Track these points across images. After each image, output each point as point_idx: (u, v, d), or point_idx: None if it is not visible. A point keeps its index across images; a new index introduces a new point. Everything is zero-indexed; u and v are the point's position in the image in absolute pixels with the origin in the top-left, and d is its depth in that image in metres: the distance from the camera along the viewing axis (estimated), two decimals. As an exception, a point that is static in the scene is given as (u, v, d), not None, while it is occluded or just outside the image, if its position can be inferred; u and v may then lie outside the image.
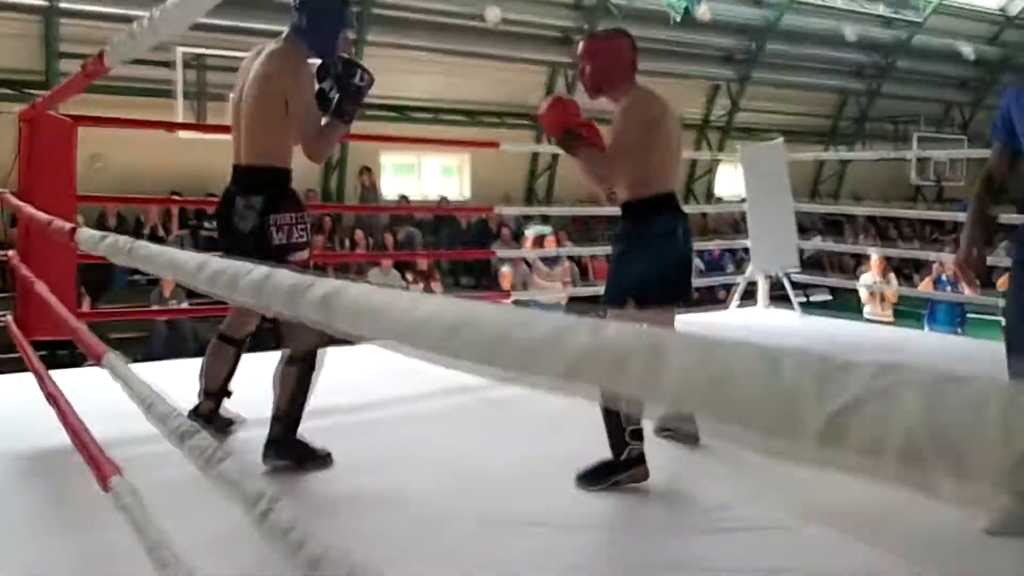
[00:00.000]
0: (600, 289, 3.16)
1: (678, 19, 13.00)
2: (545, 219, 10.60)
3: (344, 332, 0.88)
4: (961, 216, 11.13)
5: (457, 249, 12.31)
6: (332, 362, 2.94)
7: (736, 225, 13.94)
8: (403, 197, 13.16)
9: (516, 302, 5.72)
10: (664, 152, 2.86)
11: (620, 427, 2.62)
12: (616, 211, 2.98)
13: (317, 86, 2.75)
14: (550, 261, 7.77)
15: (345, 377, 3.75)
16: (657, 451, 2.78)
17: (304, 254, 2.76)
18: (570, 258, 8.33)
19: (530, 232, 8.36)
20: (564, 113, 2.85)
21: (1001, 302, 7.97)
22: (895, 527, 2.24)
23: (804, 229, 14.53)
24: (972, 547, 2.20)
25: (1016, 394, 0.32)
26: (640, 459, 2.66)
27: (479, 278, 12.37)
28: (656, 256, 2.81)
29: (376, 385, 3.86)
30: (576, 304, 6.45)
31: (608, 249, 3.54)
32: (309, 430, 2.82)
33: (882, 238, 15.63)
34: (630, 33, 3.10)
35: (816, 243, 10.37)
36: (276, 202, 2.69)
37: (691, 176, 16.08)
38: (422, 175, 14.11)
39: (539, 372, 0.53)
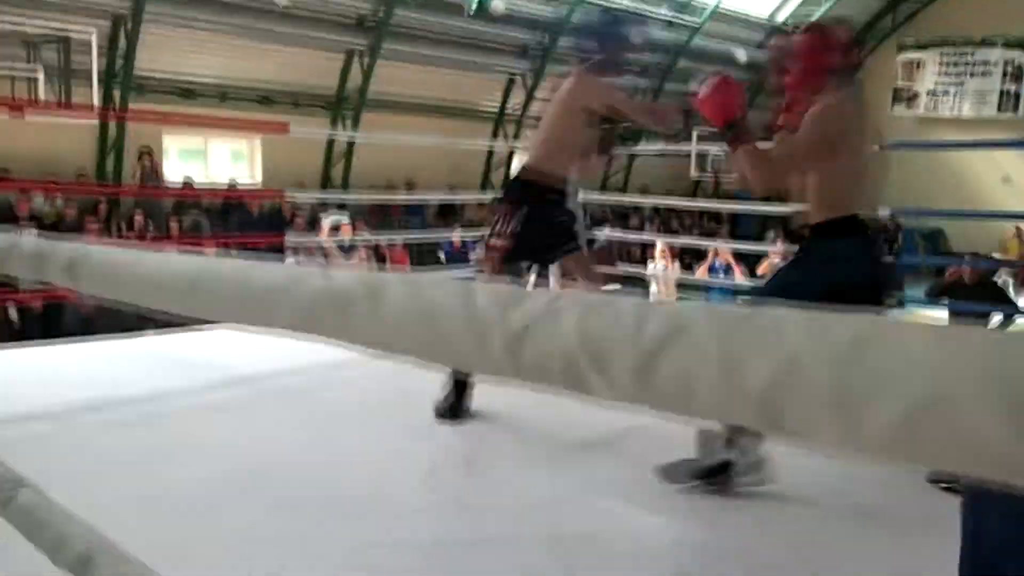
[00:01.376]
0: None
1: (472, 11, 13.22)
2: (342, 207, 10.47)
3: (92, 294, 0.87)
4: (737, 207, 11.90)
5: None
6: (117, 354, 2.79)
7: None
8: (188, 181, 12.53)
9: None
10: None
11: None
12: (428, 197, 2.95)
13: None
14: (346, 250, 7.69)
15: (128, 370, 3.56)
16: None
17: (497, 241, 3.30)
18: (368, 246, 8.28)
19: (326, 220, 8.25)
20: (729, 99, 2.65)
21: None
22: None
23: (597, 220, 15.29)
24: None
25: (649, 306, 0.39)
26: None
27: (277, 266, 12.02)
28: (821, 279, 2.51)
29: (161, 378, 3.70)
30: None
31: (404, 234, 3.50)
32: (87, 425, 2.67)
33: (666, 229, 16.68)
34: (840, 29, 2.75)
35: (607, 233, 10.87)
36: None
37: (488, 165, 16.42)
38: (210, 160, 13.49)
39: (277, 318, 0.55)
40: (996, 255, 15.23)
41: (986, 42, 18.63)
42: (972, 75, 18.93)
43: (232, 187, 12.84)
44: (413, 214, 14.31)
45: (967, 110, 18.27)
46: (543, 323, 0.42)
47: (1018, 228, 15.77)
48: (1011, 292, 8.32)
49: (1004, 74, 18.66)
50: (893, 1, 19.67)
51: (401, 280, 0.52)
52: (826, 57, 2.58)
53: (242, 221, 12.24)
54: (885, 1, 19.55)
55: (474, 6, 13.12)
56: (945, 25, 19.20)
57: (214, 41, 12.04)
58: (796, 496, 2.51)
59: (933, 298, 6.68)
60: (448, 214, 14.83)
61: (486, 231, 6.05)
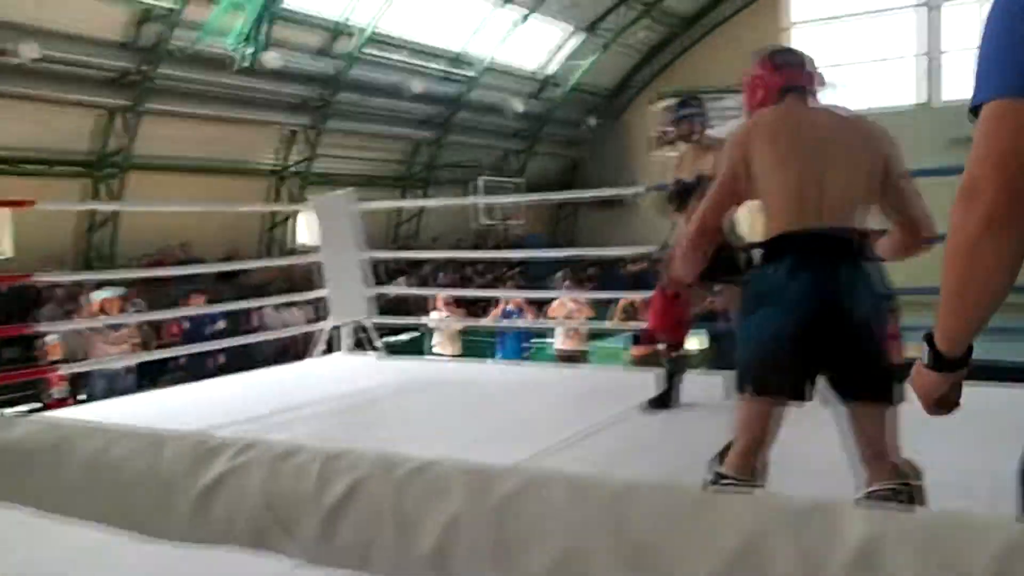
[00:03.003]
0: (171, 348, 2.83)
1: (244, 65, 12.91)
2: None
3: None
4: (524, 253, 12.25)
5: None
6: None
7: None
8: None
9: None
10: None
11: None
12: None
13: None
14: (116, 328, 7.19)
15: None
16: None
17: None
18: (139, 323, 7.79)
19: (96, 296, 7.71)
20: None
21: (552, 325, 8.93)
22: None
23: (400, 272, 15.25)
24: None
25: (331, 461, 0.39)
26: None
27: (28, 348, 10.83)
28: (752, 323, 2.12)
29: None
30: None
31: (178, 312, 3.25)
32: None
33: (461, 276, 16.90)
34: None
35: (391, 288, 10.88)
36: None
37: (272, 225, 16.00)
38: (-57, 230, 12.13)
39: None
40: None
41: (730, 90, 20.52)
42: (722, 120, 20.80)
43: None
44: (190, 281, 13.55)
45: (719, 152, 20.01)
46: (230, 482, 0.41)
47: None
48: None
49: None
50: (649, 55, 21.33)
51: (91, 433, 0.49)
52: (752, 91, 2.49)
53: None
54: (641, 55, 21.14)
55: (246, 61, 12.81)
56: (694, 76, 21.02)
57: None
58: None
59: None
60: (230, 278, 14.21)
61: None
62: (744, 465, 2.05)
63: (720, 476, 2.06)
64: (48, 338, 7.63)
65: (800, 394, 2.02)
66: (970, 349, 1.21)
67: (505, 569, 0.35)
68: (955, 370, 1.22)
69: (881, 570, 0.31)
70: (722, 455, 2.13)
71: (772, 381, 2.03)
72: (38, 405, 8.00)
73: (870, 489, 1.98)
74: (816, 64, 2.50)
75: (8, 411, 8.95)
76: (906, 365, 1.49)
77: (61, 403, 7.24)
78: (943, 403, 1.28)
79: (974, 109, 1.13)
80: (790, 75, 2.41)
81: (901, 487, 1.94)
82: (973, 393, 1.33)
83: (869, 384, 2.00)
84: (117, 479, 0.46)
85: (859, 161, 2.18)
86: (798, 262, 2.03)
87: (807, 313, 1.98)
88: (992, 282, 1.13)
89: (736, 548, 0.31)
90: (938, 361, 1.22)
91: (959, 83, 19.18)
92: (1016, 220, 1.08)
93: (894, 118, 19.38)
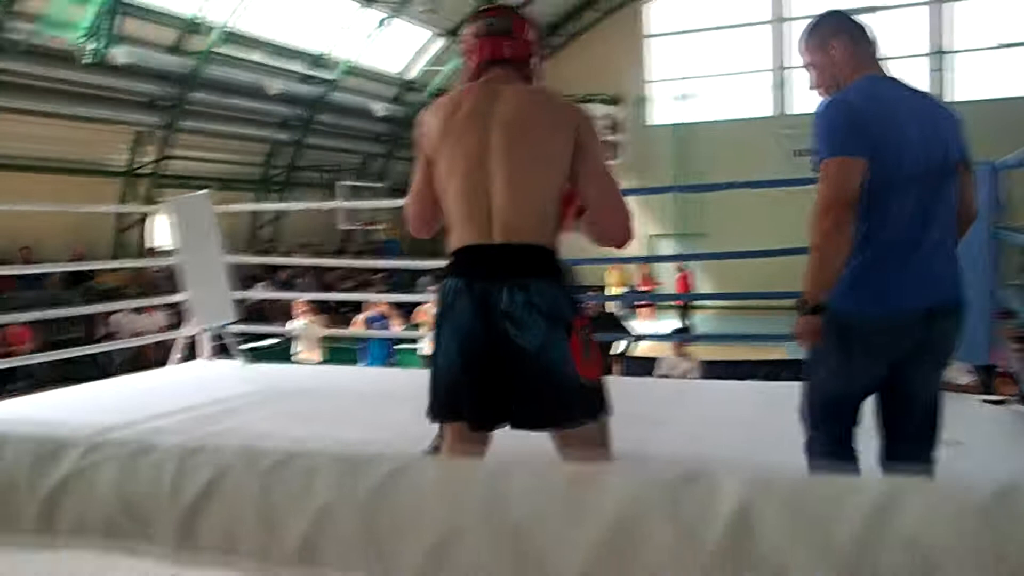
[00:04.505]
0: (16, 358, 2.58)
1: (88, 60, 12.21)
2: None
3: None
4: (384, 263, 12.22)
5: None
6: None
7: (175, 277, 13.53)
8: None
9: None
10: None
11: None
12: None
13: None
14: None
15: None
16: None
17: None
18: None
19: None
20: None
21: (420, 334, 8.89)
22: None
23: (254, 278, 14.76)
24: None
25: (188, 456, 0.37)
26: None
27: None
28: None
29: None
30: None
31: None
32: None
33: (322, 282, 16.56)
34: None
35: (253, 292, 10.52)
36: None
37: (123, 227, 15.20)
38: None
39: None
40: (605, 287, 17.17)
41: (587, 99, 21.09)
42: (584, 127, 21.35)
43: None
44: (31, 286, 12.70)
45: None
46: (78, 484, 0.39)
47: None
48: (625, 321, 9.39)
49: (605, 127, 21.26)
50: (512, 61, 21.60)
51: None
52: (465, 59, 2.13)
53: None
54: (505, 61, 21.40)
55: (92, 56, 12.12)
56: (553, 83, 21.42)
57: None
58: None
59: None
60: (77, 283, 13.42)
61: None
62: None
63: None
64: None
65: (479, 422, 1.88)
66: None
67: (377, 558, 0.34)
68: (820, 312, 1.96)
69: (755, 534, 0.32)
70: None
71: (442, 408, 1.94)
72: None
73: None
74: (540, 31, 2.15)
75: None
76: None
77: None
78: (816, 336, 1.98)
79: (820, 160, 1.98)
80: (492, 45, 2.03)
81: None
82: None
83: (552, 412, 1.84)
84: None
85: (543, 156, 1.89)
86: (463, 285, 1.85)
87: (464, 342, 1.82)
88: (836, 259, 1.93)
89: (613, 523, 0.31)
90: (814, 309, 1.96)
91: (804, 97, 20.47)
92: (847, 226, 1.93)
93: (745, 129, 20.53)
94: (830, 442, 2.09)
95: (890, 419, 2.11)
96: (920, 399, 2.08)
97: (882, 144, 1.93)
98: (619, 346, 7.86)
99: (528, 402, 1.81)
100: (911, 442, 2.10)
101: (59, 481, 0.40)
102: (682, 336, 8.41)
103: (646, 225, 22.05)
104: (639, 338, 8.32)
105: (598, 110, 21.17)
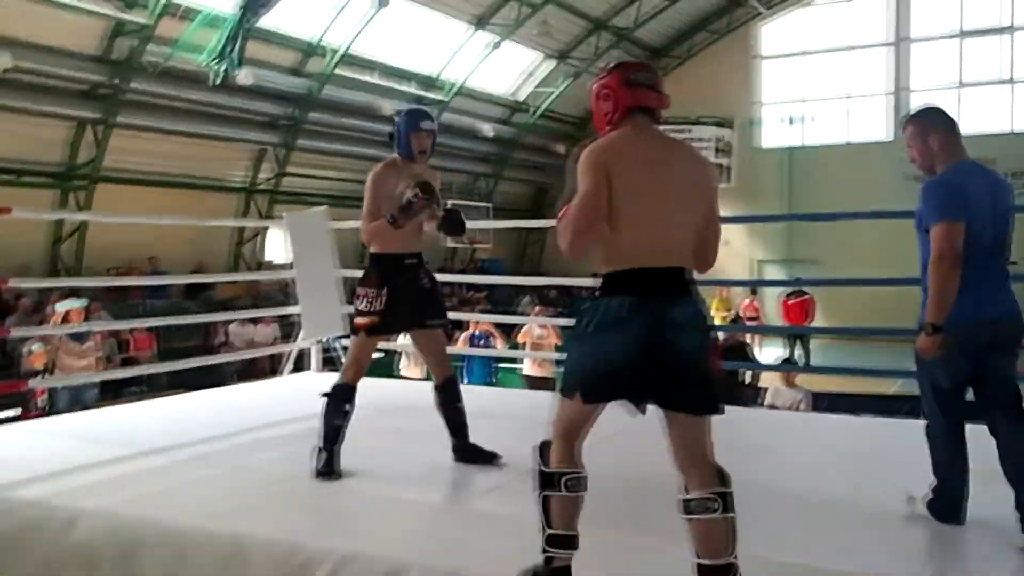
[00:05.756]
0: (142, 366, 2.77)
1: (218, 81, 12.84)
2: (74, 291, 9.63)
3: None
4: (489, 279, 12.46)
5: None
6: None
7: (288, 290, 14.00)
8: None
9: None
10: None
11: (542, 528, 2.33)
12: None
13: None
14: (79, 336, 7.07)
15: None
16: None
17: (363, 320, 3.65)
18: (105, 333, 7.69)
19: (60, 307, 7.59)
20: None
21: (522, 353, 8.95)
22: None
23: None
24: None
25: None
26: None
27: (-2, 356, 10.70)
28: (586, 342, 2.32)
29: None
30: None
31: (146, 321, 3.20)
32: None
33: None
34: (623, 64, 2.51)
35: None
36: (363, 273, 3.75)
37: (240, 241, 15.87)
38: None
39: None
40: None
41: (699, 121, 20.85)
42: (690, 150, 21.09)
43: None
44: (156, 295, 13.40)
45: (688, 180, 20.16)
46: None
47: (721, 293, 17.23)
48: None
49: (716, 149, 20.95)
50: (620, 83, 21.51)
51: (160, 538, 0.49)
52: (599, 103, 2.45)
53: (-48, 308, 10.89)
54: (613, 83, 21.33)
55: (219, 77, 12.74)
56: (664, 105, 21.29)
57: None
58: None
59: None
60: (197, 293, 14.07)
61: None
62: (564, 455, 2.33)
63: (543, 456, 2.34)
64: (33, 347, 7.58)
65: (638, 401, 2.31)
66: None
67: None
68: (941, 332, 2.73)
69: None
70: (542, 448, 2.37)
71: (595, 394, 2.28)
72: (17, 412, 7.90)
73: (687, 497, 2.21)
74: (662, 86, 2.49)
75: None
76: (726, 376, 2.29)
77: (41, 413, 7.14)
78: (937, 351, 2.75)
79: (935, 222, 2.77)
80: (641, 95, 2.42)
81: (716, 495, 2.18)
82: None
83: (692, 399, 2.25)
84: None
85: (701, 203, 2.38)
86: (639, 301, 2.23)
87: (637, 347, 2.20)
88: (950, 291, 2.72)
89: None
90: (935, 329, 2.73)
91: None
92: (957, 270, 2.71)
93: (859, 153, 19.86)
94: (946, 424, 2.90)
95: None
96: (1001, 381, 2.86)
97: (974, 212, 2.76)
98: (745, 375, 7.76)
99: (682, 390, 2.22)
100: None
101: None
102: (795, 368, 8.21)
103: (752, 250, 21.61)
104: (767, 368, 8.16)
105: (707, 132, 20.91)
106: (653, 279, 2.26)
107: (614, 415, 2.31)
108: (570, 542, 2.30)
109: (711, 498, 2.17)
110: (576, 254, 2.33)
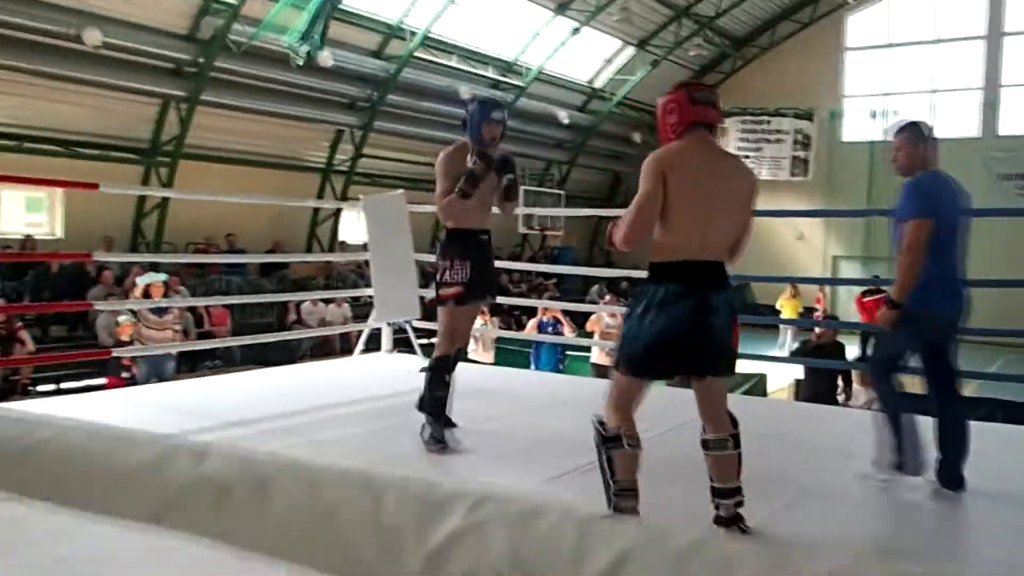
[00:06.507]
0: (220, 339, 2.84)
1: (300, 62, 12.99)
2: (155, 265, 9.90)
3: None
4: (561, 268, 12.39)
5: (46, 298, 10.91)
6: None
7: (361, 271, 14.15)
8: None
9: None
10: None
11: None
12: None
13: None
14: (158, 310, 7.25)
15: None
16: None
17: (450, 290, 3.79)
18: (183, 308, 7.87)
19: (141, 281, 7.80)
20: None
21: (592, 342, 8.88)
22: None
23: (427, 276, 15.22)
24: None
25: (587, 526, 0.36)
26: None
27: (74, 327, 11.07)
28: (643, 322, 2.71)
29: None
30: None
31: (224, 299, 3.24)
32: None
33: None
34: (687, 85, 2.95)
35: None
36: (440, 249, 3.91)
37: (315, 221, 16.08)
38: (2, 209, 12.26)
39: (136, 505, 0.48)
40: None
41: (779, 112, 20.35)
42: (768, 142, 20.59)
43: (28, 243, 11.74)
44: (233, 271, 13.69)
45: (765, 173, 19.71)
46: (468, 541, 0.38)
47: (794, 285, 16.80)
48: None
49: (795, 142, 20.43)
50: (699, 73, 21.13)
51: (292, 472, 0.46)
52: (666, 116, 2.86)
53: (39, 278, 11.26)
54: (692, 73, 20.97)
55: (302, 58, 12.89)
56: (744, 96, 20.81)
57: (11, 81, 11.14)
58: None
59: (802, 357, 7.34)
60: (273, 271, 14.33)
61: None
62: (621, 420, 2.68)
63: (602, 424, 2.68)
64: (120, 318, 7.82)
65: (667, 374, 3.00)
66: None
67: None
68: (900, 308, 3.25)
69: None
70: (600, 421, 2.71)
71: (648, 368, 2.71)
72: (101, 381, 8.20)
73: (708, 437, 2.70)
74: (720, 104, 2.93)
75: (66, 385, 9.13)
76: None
77: (121, 382, 7.36)
78: (894, 325, 3.27)
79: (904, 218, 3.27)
80: (703, 111, 2.82)
81: (730, 436, 2.69)
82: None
83: (719, 365, 2.74)
84: (331, 526, 0.43)
85: (741, 208, 2.83)
86: (685, 288, 2.67)
87: (684, 327, 2.64)
88: (915, 275, 3.21)
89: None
90: (895, 305, 3.25)
91: (1017, 118, 18.85)
92: (921, 258, 3.21)
93: (948, 149, 19.14)
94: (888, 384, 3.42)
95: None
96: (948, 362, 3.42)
97: (943, 213, 3.24)
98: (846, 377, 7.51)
99: (712, 359, 2.71)
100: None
101: (447, 538, 0.40)
102: (864, 367, 7.92)
103: (829, 246, 21.03)
104: (855, 365, 7.88)
105: (786, 124, 20.42)
106: (697, 270, 2.69)
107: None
108: (634, 492, 2.57)
109: (725, 439, 2.68)
110: (629, 245, 2.75)
